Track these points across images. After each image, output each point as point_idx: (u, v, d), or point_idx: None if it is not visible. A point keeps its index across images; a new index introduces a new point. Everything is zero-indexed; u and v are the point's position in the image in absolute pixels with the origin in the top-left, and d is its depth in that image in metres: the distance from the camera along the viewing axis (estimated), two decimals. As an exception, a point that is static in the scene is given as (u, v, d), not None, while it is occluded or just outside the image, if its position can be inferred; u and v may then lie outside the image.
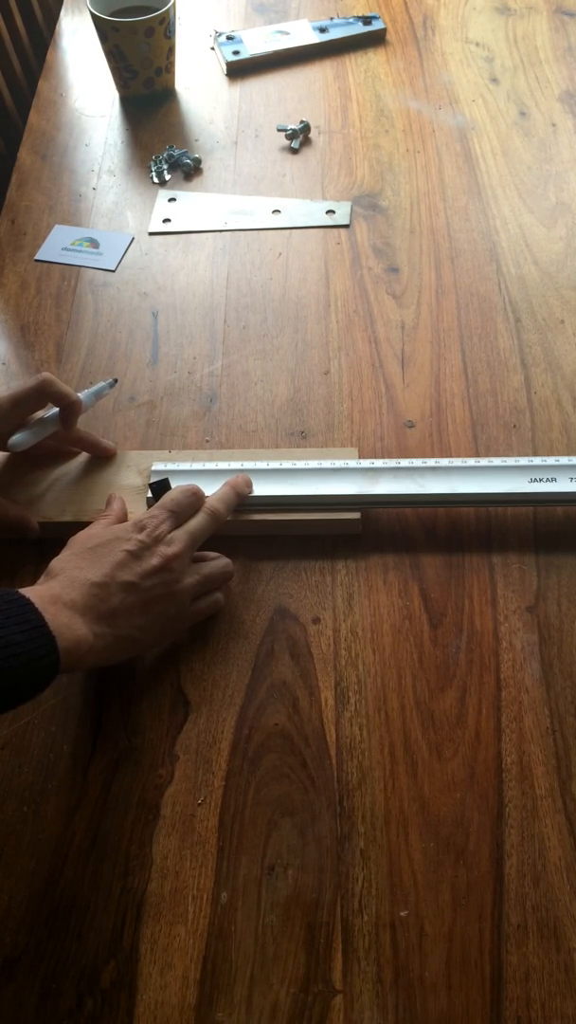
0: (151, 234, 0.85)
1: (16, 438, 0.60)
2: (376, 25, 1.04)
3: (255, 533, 0.62)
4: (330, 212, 0.85)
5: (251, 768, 0.53)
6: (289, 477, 0.62)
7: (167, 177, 0.90)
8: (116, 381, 0.69)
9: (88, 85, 1.00)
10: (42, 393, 0.60)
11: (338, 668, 0.57)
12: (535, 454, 0.67)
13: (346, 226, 0.84)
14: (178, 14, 0.99)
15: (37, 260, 0.82)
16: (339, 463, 0.63)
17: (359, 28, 1.03)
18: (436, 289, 0.79)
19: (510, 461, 0.63)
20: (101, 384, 0.68)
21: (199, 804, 0.52)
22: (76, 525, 0.60)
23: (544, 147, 0.91)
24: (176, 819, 0.51)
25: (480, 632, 0.58)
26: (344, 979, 0.46)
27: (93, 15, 0.90)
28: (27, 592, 0.48)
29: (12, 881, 0.50)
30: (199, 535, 0.56)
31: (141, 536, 0.54)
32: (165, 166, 0.90)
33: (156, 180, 0.89)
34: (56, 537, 0.58)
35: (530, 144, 0.91)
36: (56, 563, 0.53)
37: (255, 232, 0.84)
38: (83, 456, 0.65)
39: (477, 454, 0.67)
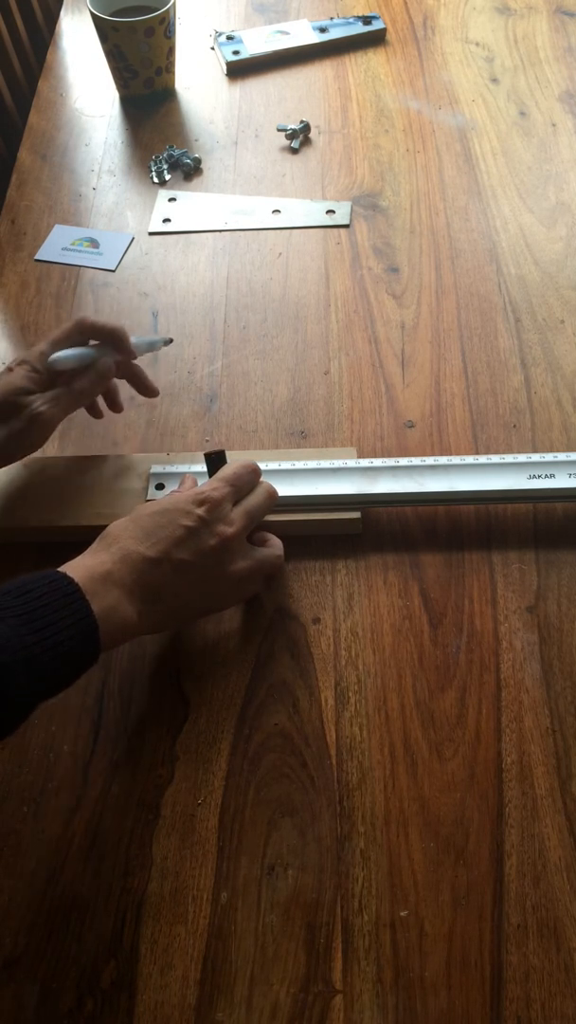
0: (151, 234, 0.85)
1: (57, 355, 0.59)
2: (376, 25, 1.04)
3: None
4: (330, 212, 0.85)
5: (251, 768, 0.53)
6: (288, 477, 0.62)
7: (167, 177, 0.90)
8: (171, 340, 0.69)
9: (88, 85, 1.00)
10: (81, 331, 0.60)
11: (338, 668, 0.57)
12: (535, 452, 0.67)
13: (346, 226, 0.84)
14: (178, 14, 0.99)
15: (37, 260, 0.82)
16: (338, 463, 0.63)
17: (359, 28, 1.03)
18: (436, 289, 0.79)
19: (508, 458, 0.63)
20: (156, 338, 0.67)
21: (199, 804, 0.52)
22: (76, 530, 0.60)
23: (544, 147, 0.91)
24: (176, 819, 0.51)
25: (480, 632, 0.58)
26: (344, 979, 0.46)
27: (93, 15, 0.90)
28: (78, 567, 0.48)
29: (12, 881, 0.50)
30: (257, 515, 0.57)
31: (201, 512, 0.53)
32: (165, 166, 0.90)
33: (156, 180, 0.89)
34: (57, 542, 0.58)
35: (530, 144, 0.91)
36: (114, 528, 0.52)
37: (255, 232, 0.84)
38: (80, 461, 0.65)
39: (477, 454, 0.67)
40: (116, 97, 0.99)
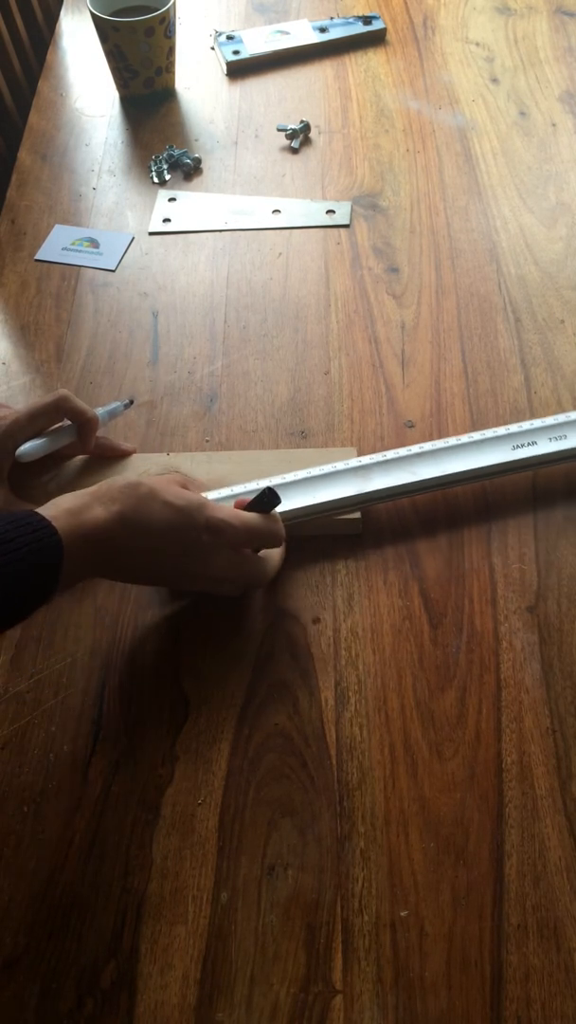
0: (151, 234, 0.85)
1: (26, 447, 0.61)
2: (376, 25, 1.04)
3: None
4: (330, 212, 0.85)
5: (251, 768, 0.53)
6: (283, 490, 0.61)
7: (167, 177, 0.90)
8: (132, 402, 0.70)
9: (88, 85, 1.00)
10: (59, 408, 0.61)
11: (338, 668, 0.57)
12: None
13: (346, 226, 0.84)
14: (178, 14, 0.99)
15: (37, 260, 0.82)
16: (327, 468, 0.62)
17: (359, 28, 1.03)
18: (436, 289, 0.79)
19: (489, 433, 0.64)
20: (116, 404, 0.68)
21: (199, 804, 0.52)
22: None
23: (544, 147, 0.91)
24: (176, 819, 0.51)
25: (480, 632, 0.58)
26: (344, 979, 0.46)
27: (93, 15, 0.90)
28: (65, 524, 0.49)
29: (12, 881, 0.50)
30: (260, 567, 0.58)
31: (207, 538, 0.53)
32: (165, 166, 0.90)
33: (156, 180, 0.89)
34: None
35: (530, 144, 0.91)
36: (131, 498, 0.51)
37: (255, 232, 0.84)
38: (82, 458, 0.65)
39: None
40: (116, 97, 0.99)
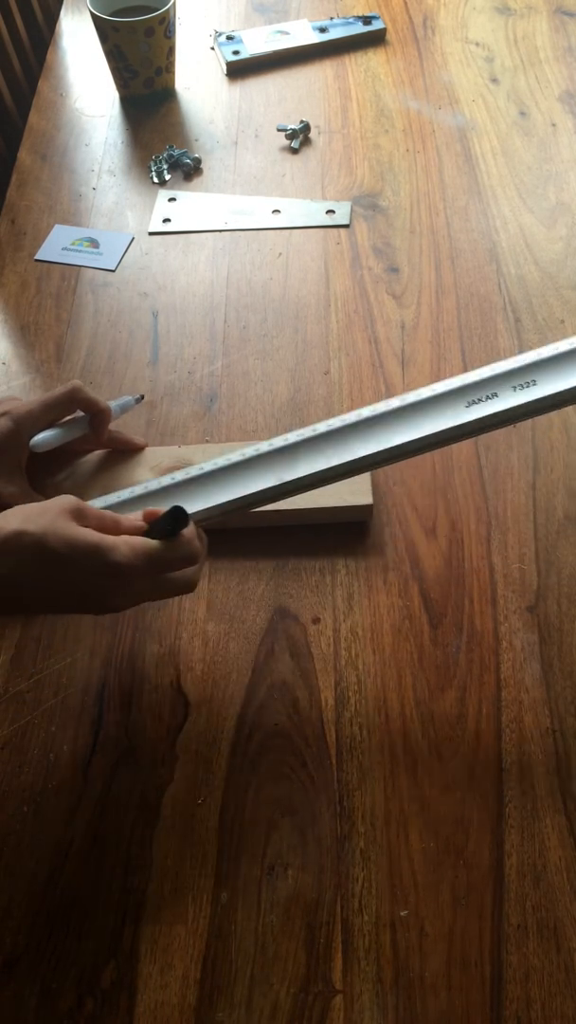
0: (151, 234, 0.85)
1: (39, 438, 0.60)
2: (376, 25, 1.04)
3: (261, 524, 0.61)
4: (330, 212, 0.85)
5: (251, 768, 0.53)
6: (183, 491, 0.54)
7: (167, 177, 0.90)
8: (143, 397, 0.69)
9: (88, 85, 1.00)
10: (72, 399, 0.60)
11: (338, 668, 0.57)
12: (535, 454, 0.67)
13: (346, 226, 0.84)
14: (178, 14, 0.99)
15: (37, 260, 0.82)
16: (237, 456, 0.53)
17: (359, 28, 1.03)
18: (436, 289, 0.79)
19: (440, 387, 0.52)
20: (127, 398, 0.67)
21: (199, 804, 0.52)
22: None
23: (544, 147, 0.91)
24: (176, 819, 0.51)
25: (480, 632, 0.58)
26: (344, 979, 0.46)
27: (93, 15, 0.90)
28: None
29: (12, 881, 0.50)
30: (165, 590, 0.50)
31: (107, 584, 0.46)
32: (165, 166, 0.90)
33: (156, 180, 0.89)
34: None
35: (530, 144, 0.91)
36: (16, 531, 0.45)
37: (255, 232, 0.84)
38: (96, 455, 0.65)
39: (477, 454, 0.67)
40: (116, 97, 0.99)
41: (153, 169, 0.90)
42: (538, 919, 0.48)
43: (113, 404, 0.65)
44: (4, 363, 0.74)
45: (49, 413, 0.60)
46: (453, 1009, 0.46)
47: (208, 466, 0.54)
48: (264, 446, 0.53)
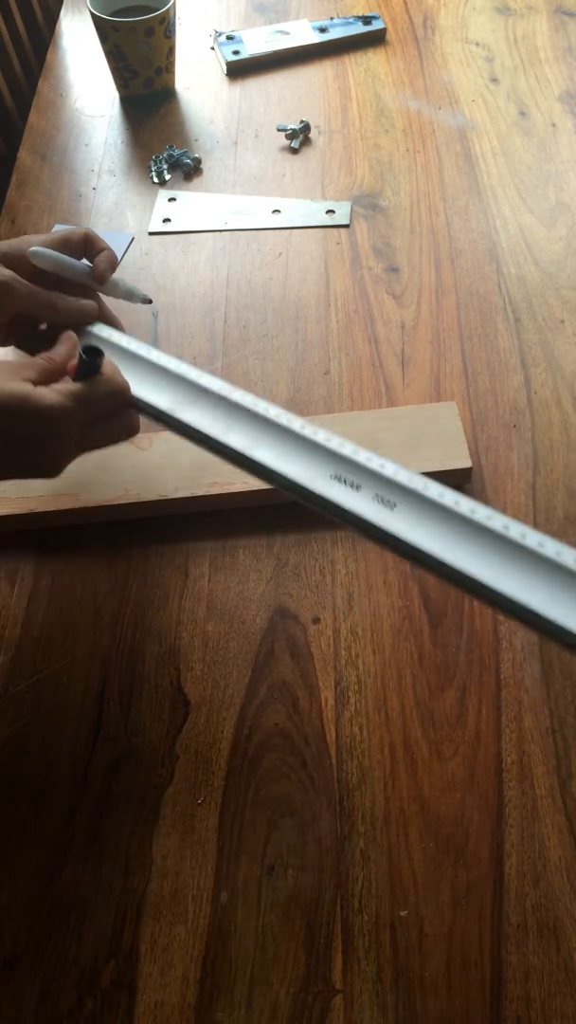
0: (151, 234, 0.85)
1: (43, 249, 0.55)
2: (376, 25, 1.04)
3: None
4: (330, 212, 0.85)
5: (251, 768, 0.53)
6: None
7: (167, 177, 0.90)
8: (151, 301, 0.64)
9: (88, 85, 1.00)
10: (87, 240, 0.58)
11: (338, 668, 0.57)
12: (535, 454, 0.67)
13: (346, 226, 0.84)
14: (178, 14, 0.99)
15: (37, 260, 0.82)
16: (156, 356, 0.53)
17: (359, 28, 1.03)
18: (436, 289, 0.79)
19: (322, 436, 0.47)
20: (136, 288, 0.63)
21: (199, 804, 0.52)
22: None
23: (544, 147, 0.91)
24: (176, 819, 0.51)
25: (480, 632, 0.58)
26: (344, 979, 0.46)
27: (93, 15, 0.90)
28: None
29: (12, 881, 0.50)
30: (101, 439, 0.51)
31: (41, 433, 0.47)
32: (165, 166, 0.90)
33: (156, 180, 0.89)
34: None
35: (530, 144, 0.91)
36: None
37: (255, 232, 0.84)
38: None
39: (477, 454, 0.67)
40: (116, 97, 0.99)
41: (153, 169, 0.90)
42: (538, 919, 0.48)
43: (120, 278, 0.61)
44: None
45: (62, 245, 0.57)
46: (453, 1009, 0.46)
47: (168, 363, 0.53)
48: (186, 368, 0.52)
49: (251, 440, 0.48)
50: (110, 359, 0.51)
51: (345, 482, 0.45)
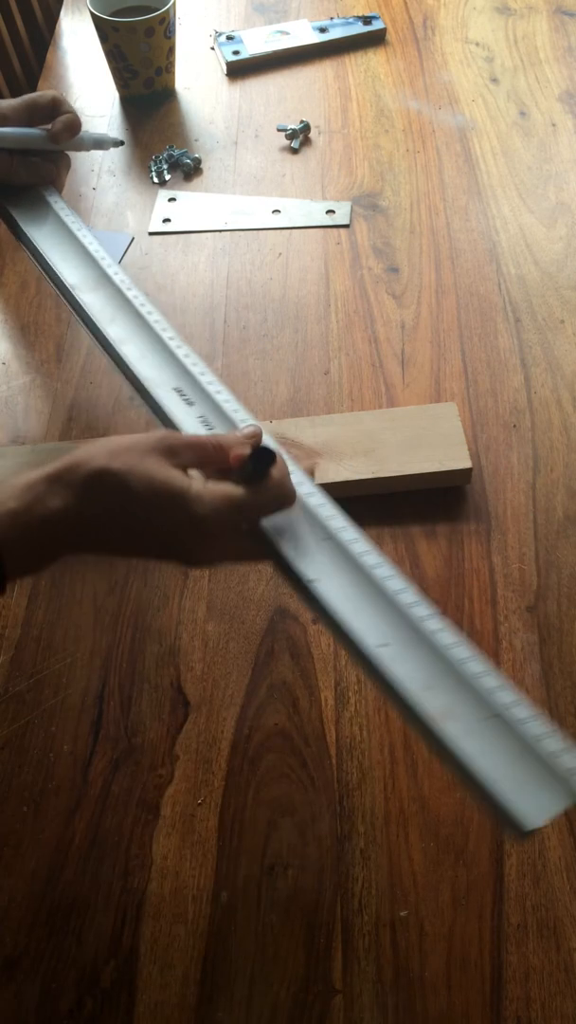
0: (151, 234, 0.85)
1: (3, 130, 0.59)
2: (376, 25, 1.04)
3: (358, 493, 0.62)
4: (330, 212, 0.85)
5: (251, 768, 0.53)
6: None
7: (167, 177, 0.90)
8: (123, 143, 0.69)
9: (88, 85, 1.00)
10: (54, 104, 0.61)
11: (338, 668, 0.57)
12: (535, 454, 0.67)
13: (346, 226, 0.84)
14: (178, 14, 0.99)
15: (37, 260, 0.82)
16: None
17: (359, 28, 1.03)
18: (436, 289, 0.79)
19: (184, 350, 0.52)
20: (105, 135, 0.66)
21: (199, 804, 0.52)
22: None
23: (544, 147, 0.91)
24: (176, 819, 0.51)
25: (480, 632, 0.58)
26: (344, 979, 0.46)
27: (93, 15, 0.90)
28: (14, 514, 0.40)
29: (12, 881, 0.50)
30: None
31: (189, 537, 0.42)
32: (165, 166, 0.90)
33: (156, 180, 0.89)
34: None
35: (530, 144, 0.91)
36: (94, 472, 0.40)
37: (255, 232, 0.84)
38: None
39: (477, 454, 0.66)
40: (116, 97, 0.99)
41: (153, 169, 0.90)
42: (538, 919, 0.48)
43: (86, 132, 0.64)
44: (4, 363, 0.74)
45: (30, 109, 0.60)
46: (453, 1009, 0.46)
47: (89, 245, 0.58)
48: (117, 278, 0.56)
49: (126, 334, 0.53)
50: (283, 459, 0.45)
51: (182, 395, 0.50)
